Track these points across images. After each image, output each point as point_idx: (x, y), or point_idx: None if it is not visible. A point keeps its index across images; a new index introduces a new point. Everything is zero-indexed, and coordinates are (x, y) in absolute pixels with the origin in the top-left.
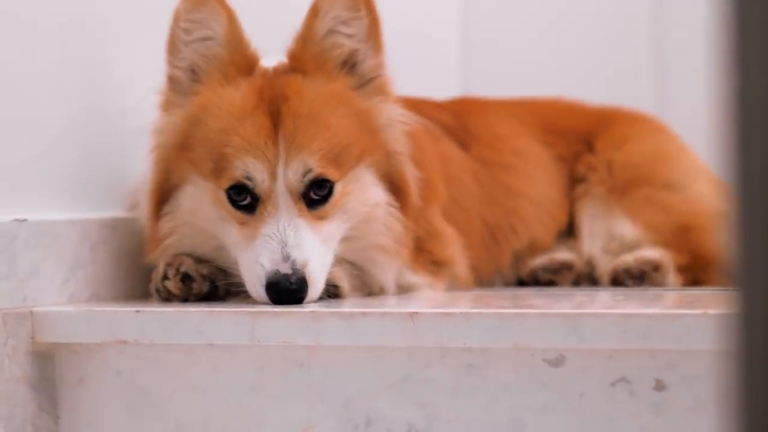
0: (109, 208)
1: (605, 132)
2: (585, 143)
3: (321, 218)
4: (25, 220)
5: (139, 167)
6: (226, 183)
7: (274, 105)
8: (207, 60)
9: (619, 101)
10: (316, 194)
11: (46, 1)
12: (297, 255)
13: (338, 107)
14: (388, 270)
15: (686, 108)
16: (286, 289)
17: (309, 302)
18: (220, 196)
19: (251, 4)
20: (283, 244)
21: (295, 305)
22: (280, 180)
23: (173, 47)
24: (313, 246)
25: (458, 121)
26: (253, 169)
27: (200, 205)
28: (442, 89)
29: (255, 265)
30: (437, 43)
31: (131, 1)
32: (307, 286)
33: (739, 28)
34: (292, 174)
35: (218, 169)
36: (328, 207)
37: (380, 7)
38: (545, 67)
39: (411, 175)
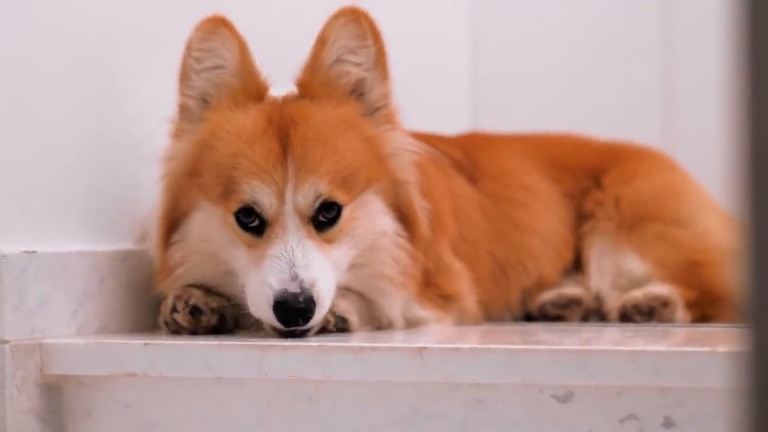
0: (119, 240)
1: (613, 168)
2: (593, 179)
3: (329, 241)
4: (34, 252)
5: (148, 199)
6: (235, 206)
7: (283, 129)
8: (218, 88)
9: (628, 136)
10: (324, 217)
11: (57, 32)
12: (305, 275)
13: (347, 131)
14: (395, 301)
15: (694, 143)
16: (294, 309)
17: (315, 323)
18: (229, 219)
19: (260, 33)
20: (292, 264)
21: (302, 340)
22: (288, 203)
23: (185, 76)
24: (321, 267)
25: (467, 155)
26: (260, 193)
27: (209, 229)
28: (451, 124)
29: (263, 285)
30: (447, 79)
31: (142, 32)
32: (314, 306)
33: (750, 64)
34: (301, 198)
35: (227, 192)
36: (335, 230)
37: (390, 42)
38: (554, 102)
39: (419, 205)
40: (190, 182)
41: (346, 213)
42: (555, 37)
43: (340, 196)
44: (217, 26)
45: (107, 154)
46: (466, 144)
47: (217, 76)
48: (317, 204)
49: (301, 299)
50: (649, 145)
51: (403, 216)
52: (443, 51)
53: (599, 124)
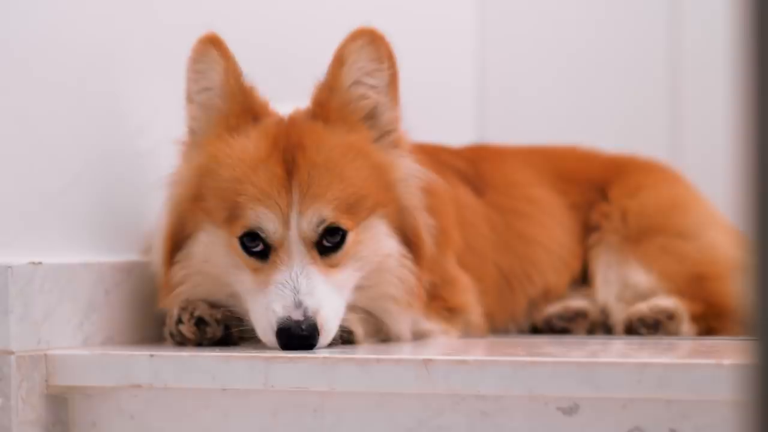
0: (125, 252)
1: (619, 180)
2: (599, 191)
3: (333, 266)
4: (40, 263)
5: (153, 211)
6: (239, 231)
7: (289, 153)
8: (208, 111)
9: (634, 148)
10: (328, 242)
11: (63, 48)
12: (309, 302)
13: (356, 159)
14: (402, 320)
15: (700, 156)
16: (297, 335)
17: (320, 348)
18: (234, 243)
19: (264, 49)
20: (296, 292)
21: (308, 351)
22: (293, 229)
23: (188, 98)
24: (324, 293)
25: (474, 167)
26: (264, 219)
27: (213, 252)
28: (457, 136)
29: (267, 311)
30: (453, 91)
31: (147, 47)
32: (318, 333)
33: (756, 76)
34: (305, 224)
35: (231, 217)
36: (340, 255)
37: (397, 55)
38: (560, 115)
39: (425, 228)
40: (194, 206)
41: (350, 237)
42: (560, 49)
43: (344, 222)
44: (207, 47)
45: (113, 167)
46: (473, 156)
47: (208, 98)
48: (320, 229)
49: (304, 327)
50: (656, 157)
51: (408, 239)
52: (449, 63)
53: (605, 136)
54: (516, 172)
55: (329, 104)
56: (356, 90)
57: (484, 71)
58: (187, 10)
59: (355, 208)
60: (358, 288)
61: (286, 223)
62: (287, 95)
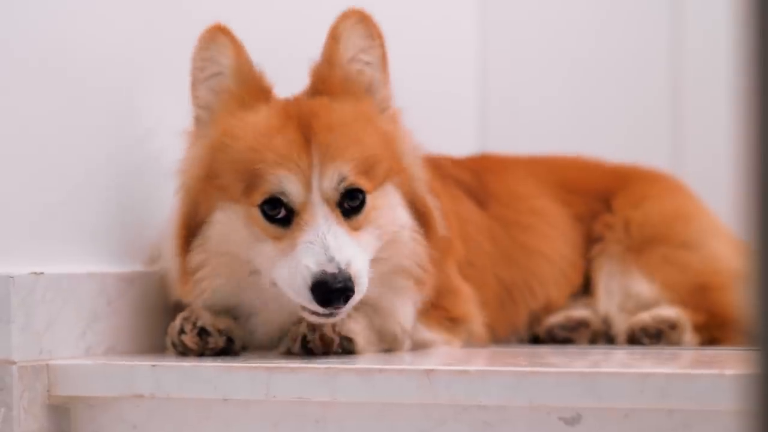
0: (127, 262)
1: (623, 191)
2: (602, 202)
3: (355, 228)
4: (42, 273)
5: (157, 221)
6: (260, 198)
7: (304, 120)
8: (219, 95)
9: (635, 158)
10: (349, 204)
11: (67, 55)
12: (341, 256)
13: (368, 125)
14: (408, 299)
15: (703, 166)
16: (334, 288)
17: (352, 304)
18: (253, 213)
19: (266, 44)
20: (326, 248)
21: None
22: (315, 190)
23: (193, 87)
24: (353, 249)
25: (477, 179)
26: (286, 182)
27: (231, 229)
28: (459, 146)
29: (298, 269)
30: (455, 101)
31: (153, 52)
32: (353, 285)
33: (759, 86)
34: (327, 182)
35: (250, 186)
36: (361, 218)
37: (398, 63)
38: (562, 124)
39: (433, 204)
40: (208, 185)
41: (369, 201)
42: (562, 59)
43: (363, 183)
44: (215, 35)
45: (116, 176)
46: (476, 166)
47: (218, 82)
48: (342, 188)
49: (339, 279)
50: (659, 168)
51: (418, 212)
52: (451, 73)
53: (607, 146)
54: (519, 183)
55: (331, 79)
56: (354, 65)
57: (485, 81)
58: (192, 16)
59: (372, 171)
60: (374, 260)
61: (308, 184)
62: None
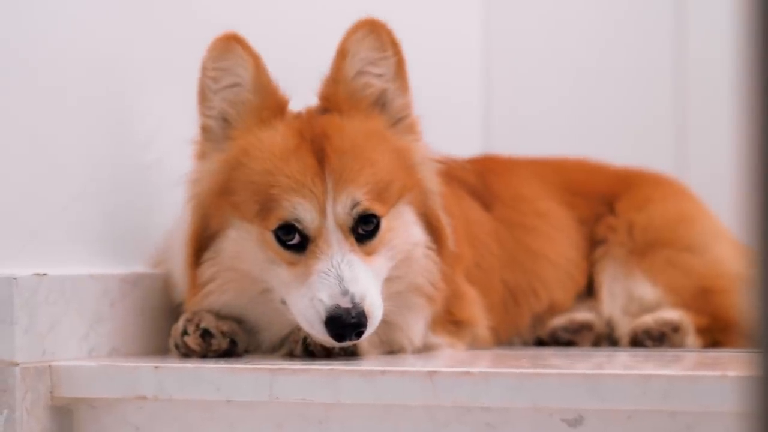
0: (130, 263)
1: (626, 194)
2: (606, 205)
3: (369, 254)
4: (45, 274)
5: (160, 222)
6: (274, 223)
7: (317, 143)
8: (237, 106)
9: (639, 162)
10: (363, 230)
11: (69, 58)
12: (355, 289)
13: (378, 144)
14: (420, 316)
15: (707, 170)
16: (348, 324)
17: (365, 337)
18: (267, 237)
19: (276, 49)
20: (340, 279)
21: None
22: (329, 217)
23: (203, 97)
24: (368, 280)
25: (482, 181)
26: (301, 209)
27: (244, 248)
28: (464, 150)
29: (313, 301)
30: (459, 104)
31: (153, 57)
32: (366, 320)
33: (763, 90)
34: (341, 208)
35: (264, 210)
36: (375, 242)
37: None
38: (566, 127)
39: (445, 217)
40: (221, 201)
41: (383, 224)
42: (566, 63)
43: (377, 208)
44: (231, 44)
45: (119, 178)
46: (481, 168)
47: (235, 94)
48: (355, 213)
49: (353, 314)
50: (663, 171)
51: (431, 226)
52: (456, 77)
53: (611, 149)
54: (524, 185)
55: (336, 96)
56: (361, 80)
57: (490, 84)
58: (193, 20)
59: (385, 193)
60: (387, 279)
61: (322, 211)
62: (298, 93)
